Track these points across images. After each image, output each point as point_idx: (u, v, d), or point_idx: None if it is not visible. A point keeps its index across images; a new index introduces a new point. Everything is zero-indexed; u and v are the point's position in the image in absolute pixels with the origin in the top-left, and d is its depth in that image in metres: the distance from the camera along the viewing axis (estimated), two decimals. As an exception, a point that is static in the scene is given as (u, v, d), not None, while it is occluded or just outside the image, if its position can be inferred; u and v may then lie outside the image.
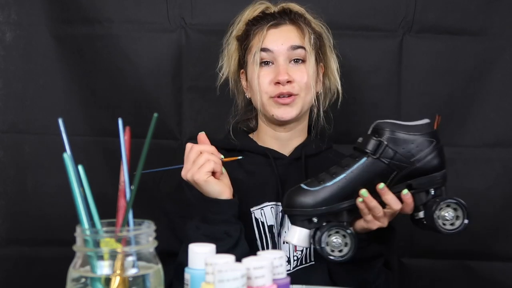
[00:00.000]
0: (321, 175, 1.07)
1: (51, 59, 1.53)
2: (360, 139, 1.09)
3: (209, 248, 0.76)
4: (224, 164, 1.12)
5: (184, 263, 0.78)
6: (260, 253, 0.72)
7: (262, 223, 1.21)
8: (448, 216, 1.07)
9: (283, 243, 1.20)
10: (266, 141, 1.28)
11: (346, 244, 1.04)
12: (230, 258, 0.69)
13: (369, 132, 1.08)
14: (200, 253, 0.76)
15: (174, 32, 1.53)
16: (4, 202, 1.54)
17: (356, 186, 1.05)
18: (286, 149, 1.28)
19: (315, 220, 1.04)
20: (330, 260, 1.03)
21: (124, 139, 0.74)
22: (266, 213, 1.21)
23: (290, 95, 1.20)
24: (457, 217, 1.07)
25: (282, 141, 1.28)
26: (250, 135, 1.32)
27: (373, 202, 1.05)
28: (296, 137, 1.28)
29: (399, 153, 1.06)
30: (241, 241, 1.11)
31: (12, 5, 1.53)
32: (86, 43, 1.53)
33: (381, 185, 1.05)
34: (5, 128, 1.54)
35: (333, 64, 1.29)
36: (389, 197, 1.06)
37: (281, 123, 1.25)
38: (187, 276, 0.76)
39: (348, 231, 1.04)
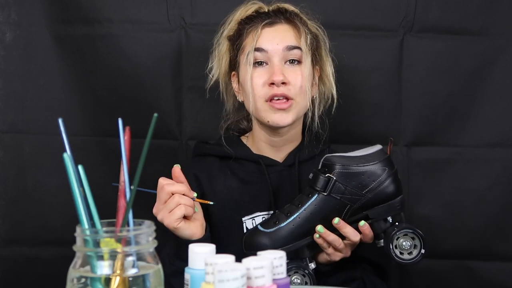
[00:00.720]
0: (276, 214, 1.08)
1: (51, 59, 1.53)
2: (311, 175, 1.08)
3: (209, 248, 0.76)
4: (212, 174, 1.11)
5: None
6: (260, 253, 0.72)
7: None
8: (405, 246, 1.06)
9: None
10: (259, 147, 1.25)
11: (306, 283, 1.04)
12: (230, 258, 0.69)
13: (319, 167, 1.08)
14: (200, 253, 0.76)
15: (174, 32, 1.53)
16: (4, 202, 1.54)
17: (312, 223, 1.05)
18: (280, 155, 1.25)
19: None
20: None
21: (124, 139, 0.74)
22: (257, 223, 1.19)
23: (285, 97, 1.15)
24: (414, 246, 1.06)
25: (276, 147, 1.24)
26: (243, 139, 1.29)
27: (331, 236, 1.05)
28: (290, 142, 1.25)
29: (349, 187, 1.05)
30: None
31: (12, 5, 1.53)
32: (86, 43, 1.53)
33: (336, 220, 1.05)
34: (5, 128, 1.54)
35: (329, 68, 1.25)
36: (347, 230, 1.06)
37: (275, 129, 1.21)
38: (187, 276, 0.76)
39: (306, 271, 1.04)
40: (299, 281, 1.04)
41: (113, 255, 0.68)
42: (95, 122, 1.55)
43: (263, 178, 1.21)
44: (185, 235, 1.06)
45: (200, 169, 1.24)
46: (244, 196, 1.20)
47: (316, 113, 1.23)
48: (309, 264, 1.08)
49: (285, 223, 1.05)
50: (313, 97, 1.23)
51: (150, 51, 1.53)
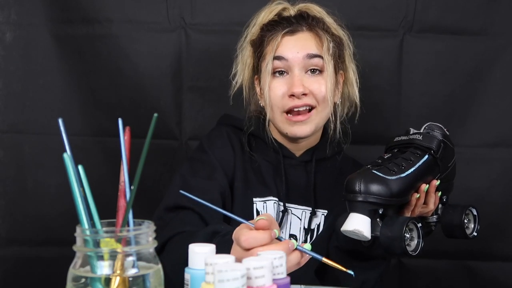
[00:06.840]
0: (390, 165, 1.01)
1: (51, 59, 1.53)
2: (418, 136, 1.06)
3: (209, 248, 0.76)
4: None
5: (184, 256, 0.76)
6: (260, 253, 0.72)
7: None
8: (466, 223, 1.12)
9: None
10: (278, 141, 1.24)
11: (412, 239, 0.98)
12: (230, 258, 0.69)
13: (422, 131, 1.08)
14: (200, 253, 0.76)
15: (174, 32, 1.53)
16: (4, 202, 1.54)
17: (417, 182, 1.03)
18: (297, 152, 1.24)
19: (381, 211, 0.97)
20: (404, 254, 0.95)
21: (124, 139, 0.74)
22: (268, 207, 1.19)
23: (307, 106, 1.14)
24: (468, 225, 1.13)
25: (294, 146, 1.23)
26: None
27: (422, 200, 1.06)
28: (309, 145, 1.24)
29: (445, 158, 1.07)
30: None
31: (12, 5, 1.53)
32: (86, 43, 1.53)
33: (438, 182, 1.06)
34: (5, 128, 1.54)
35: (352, 75, 1.23)
36: (433, 196, 1.07)
37: (293, 139, 1.20)
38: (187, 276, 0.76)
39: (419, 224, 0.98)
40: (407, 235, 0.96)
41: (113, 255, 0.68)
42: (95, 122, 1.55)
43: (279, 167, 1.21)
44: None
45: (233, 140, 1.24)
46: (259, 180, 1.20)
47: (338, 120, 1.21)
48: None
49: (404, 175, 0.99)
50: (335, 103, 1.21)
51: (150, 51, 1.53)
